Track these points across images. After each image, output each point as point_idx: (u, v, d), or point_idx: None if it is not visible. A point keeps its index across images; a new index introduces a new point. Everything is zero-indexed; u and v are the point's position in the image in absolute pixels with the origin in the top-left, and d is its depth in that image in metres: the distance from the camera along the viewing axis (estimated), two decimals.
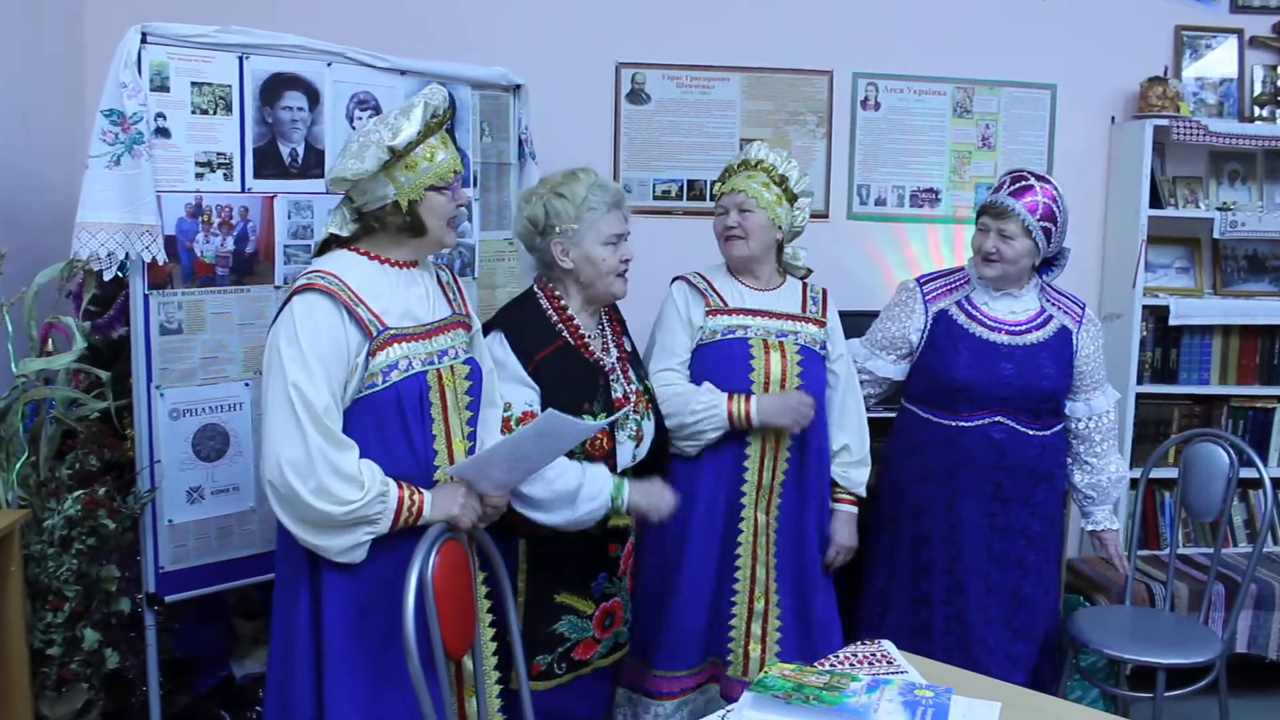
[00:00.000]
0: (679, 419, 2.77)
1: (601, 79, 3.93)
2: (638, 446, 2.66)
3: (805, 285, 3.00)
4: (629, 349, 2.76)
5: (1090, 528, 3.22)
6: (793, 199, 2.89)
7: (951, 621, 3.04)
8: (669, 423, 2.77)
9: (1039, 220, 2.93)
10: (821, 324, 2.95)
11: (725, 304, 2.89)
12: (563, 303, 2.63)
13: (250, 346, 2.77)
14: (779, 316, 2.91)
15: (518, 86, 3.36)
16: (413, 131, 2.16)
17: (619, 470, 2.58)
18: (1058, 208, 2.95)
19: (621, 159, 3.96)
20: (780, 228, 2.88)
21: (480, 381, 2.37)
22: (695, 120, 3.99)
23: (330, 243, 2.28)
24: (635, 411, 2.65)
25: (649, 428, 2.70)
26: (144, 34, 2.53)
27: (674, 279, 2.98)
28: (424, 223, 2.23)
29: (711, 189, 3.98)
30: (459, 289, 2.45)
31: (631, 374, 2.69)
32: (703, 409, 2.77)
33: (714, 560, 2.87)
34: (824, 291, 3.01)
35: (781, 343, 2.87)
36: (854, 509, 3.00)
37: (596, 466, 2.52)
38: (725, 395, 2.78)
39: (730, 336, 2.86)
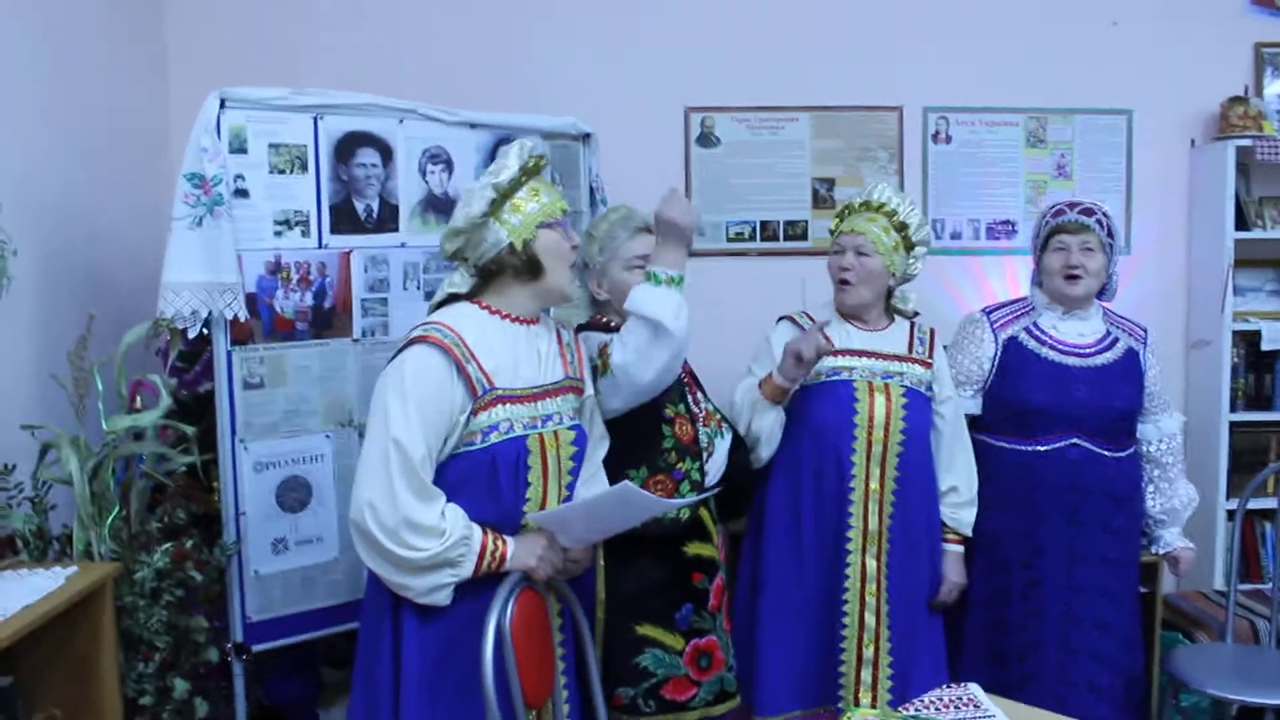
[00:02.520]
0: (737, 414, 2.80)
1: (671, 123, 3.96)
2: (707, 461, 2.63)
3: (913, 325, 2.98)
4: (690, 371, 2.74)
5: (1162, 550, 3.16)
6: (910, 247, 2.88)
7: (1030, 649, 2.98)
8: (740, 427, 2.78)
9: (1107, 237, 2.99)
10: (928, 365, 2.92)
11: (831, 345, 2.88)
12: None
13: (331, 399, 2.83)
14: (885, 357, 2.88)
15: (587, 135, 3.40)
16: (515, 168, 2.21)
17: (681, 493, 2.55)
18: (1113, 229, 3.03)
19: (693, 202, 3.95)
20: (894, 275, 2.88)
21: (584, 448, 2.35)
22: (766, 161, 3.99)
23: (447, 302, 2.30)
24: (704, 426, 2.64)
25: (721, 445, 2.69)
26: (222, 99, 2.63)
27: (780, 318, 2.99)
28: (540, 262, 2.24)
29: (785, 230, 3.99)
30: (578, 351, 2.43)
31: (700, 394, 2.69)
32: (743, 389, 2.81)
33: (813, 607, 2.84)
34: (931, 332, 2.99)
35: (887, 384, 2.84)
36: (960, 548, 2.95)
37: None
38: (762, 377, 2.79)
39: (835, 378, 2.84)
